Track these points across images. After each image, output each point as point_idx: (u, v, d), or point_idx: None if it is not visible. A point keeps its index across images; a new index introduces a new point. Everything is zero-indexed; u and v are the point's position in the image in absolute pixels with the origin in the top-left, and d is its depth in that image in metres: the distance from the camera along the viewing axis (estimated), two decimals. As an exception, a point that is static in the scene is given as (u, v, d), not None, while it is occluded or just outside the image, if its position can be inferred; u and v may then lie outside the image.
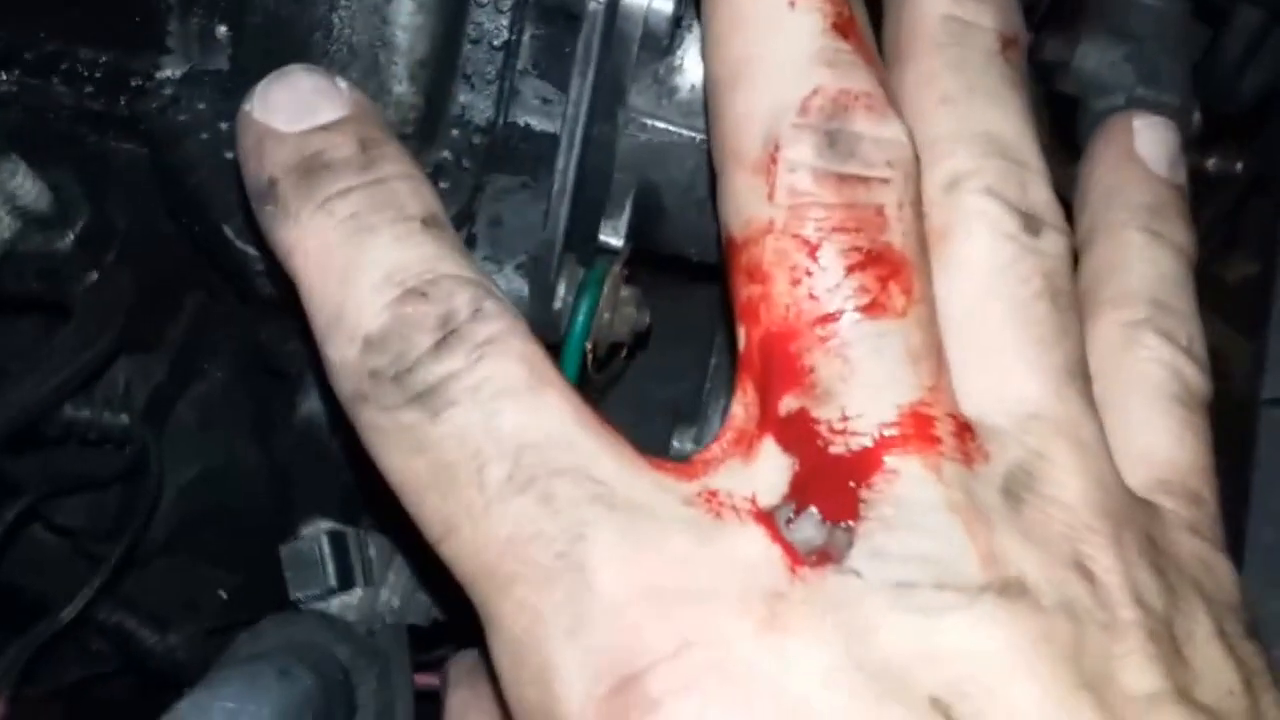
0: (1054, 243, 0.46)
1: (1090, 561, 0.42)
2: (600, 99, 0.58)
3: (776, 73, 0.44)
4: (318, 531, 0.66)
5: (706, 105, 0.46)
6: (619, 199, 0.62)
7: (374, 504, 0.67)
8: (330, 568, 0.65)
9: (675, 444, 0.75)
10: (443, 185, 0.60)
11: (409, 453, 0.43)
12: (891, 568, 0.39)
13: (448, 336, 0.43)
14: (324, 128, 0.47)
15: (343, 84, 0.48)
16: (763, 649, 0.39)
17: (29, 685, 0.70)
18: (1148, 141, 0.55)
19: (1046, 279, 0.45)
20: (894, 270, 0.42)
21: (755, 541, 0.41)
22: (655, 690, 0.39)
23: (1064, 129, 0.82)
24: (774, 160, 0.43)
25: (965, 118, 0.47)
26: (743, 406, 0.44)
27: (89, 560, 0.72)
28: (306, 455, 0.65)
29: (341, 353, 0.44)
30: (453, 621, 0.70)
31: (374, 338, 0.43)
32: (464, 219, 0.60)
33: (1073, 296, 0.46)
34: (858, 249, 0.42)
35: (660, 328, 0.69)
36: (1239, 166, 0.85)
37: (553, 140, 0.60)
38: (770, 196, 0.43)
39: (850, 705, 0.38)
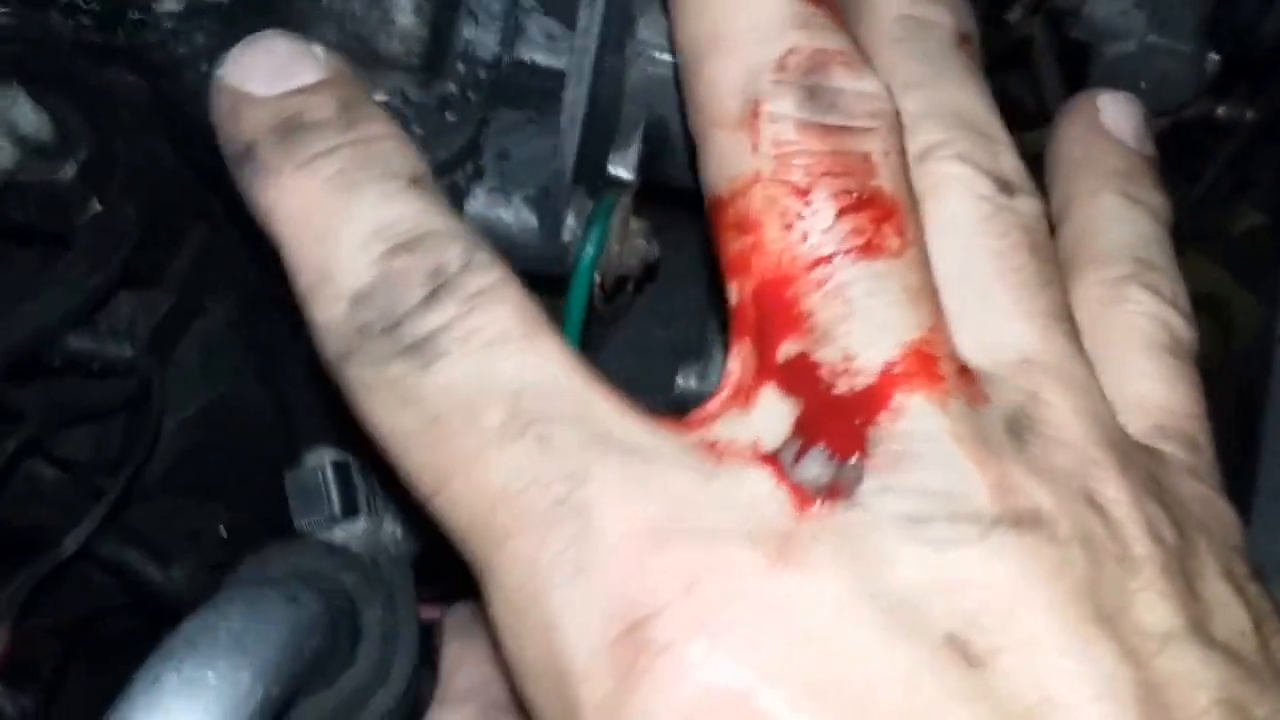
0: (1029, 204, 0.46)
1: (1100, 496, 0.41)
2: (610, 30, 0.57)
3: (750, 38, 0.43)
4: (322, 460, 0.66)
5: (678, 79, 0.46)
6: (628, 132, 0.62)
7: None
8: (334, 495, 0.65)
9: (680, 382, 0.75)
10: (450, 117, 0.60)
11: (398, 406, 0.42)
12: (903, 501, 0.39)
13: (438, 289, 0.42)
14: (302, 90, 0.47)
15: (318, 48, 0.48)
16: (774, 586, 0.38)
17: (30, 619, 0.70)
18: (1114, 115, 0.56)
19: (1024, 232, 0.46)
20: (886, 213, 0.42)
21: (760, 482, 0.40)
22: (665, 633, 0.38)
23: (1076, 77, 0.81)
24: (756, 115, 0.42)
25: (931, 99, 0.47)
26: (738, 362, 0.44)
27: (90, 494, 0.72)
28: (310, 385, 0.64)
29: (327, 312, 0.43)
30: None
31: (361, 293, 0.42)
32: (471, 151, 0.60)
33: (1052, 251, 0.47)
34: (848, 192, 0.42)
35: (664, 266, 0.69)
36: (1249, 114, 0.84)
37: (558, 76, 0.60)
38: (755, 149, 0.42)
39: (866, 640, 0.38)
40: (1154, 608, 0.40)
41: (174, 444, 0.74)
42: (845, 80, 0.43)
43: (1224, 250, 0.94)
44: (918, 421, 0.40)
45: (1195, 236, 0.57)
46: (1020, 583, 0.39)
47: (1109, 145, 0.55)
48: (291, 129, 0.45)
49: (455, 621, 0.63)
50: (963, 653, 0.38)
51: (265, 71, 0.47)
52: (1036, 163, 0.51)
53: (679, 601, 0.38)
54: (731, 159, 0.43)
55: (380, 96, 0.59)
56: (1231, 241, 0.94)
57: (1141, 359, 0.50)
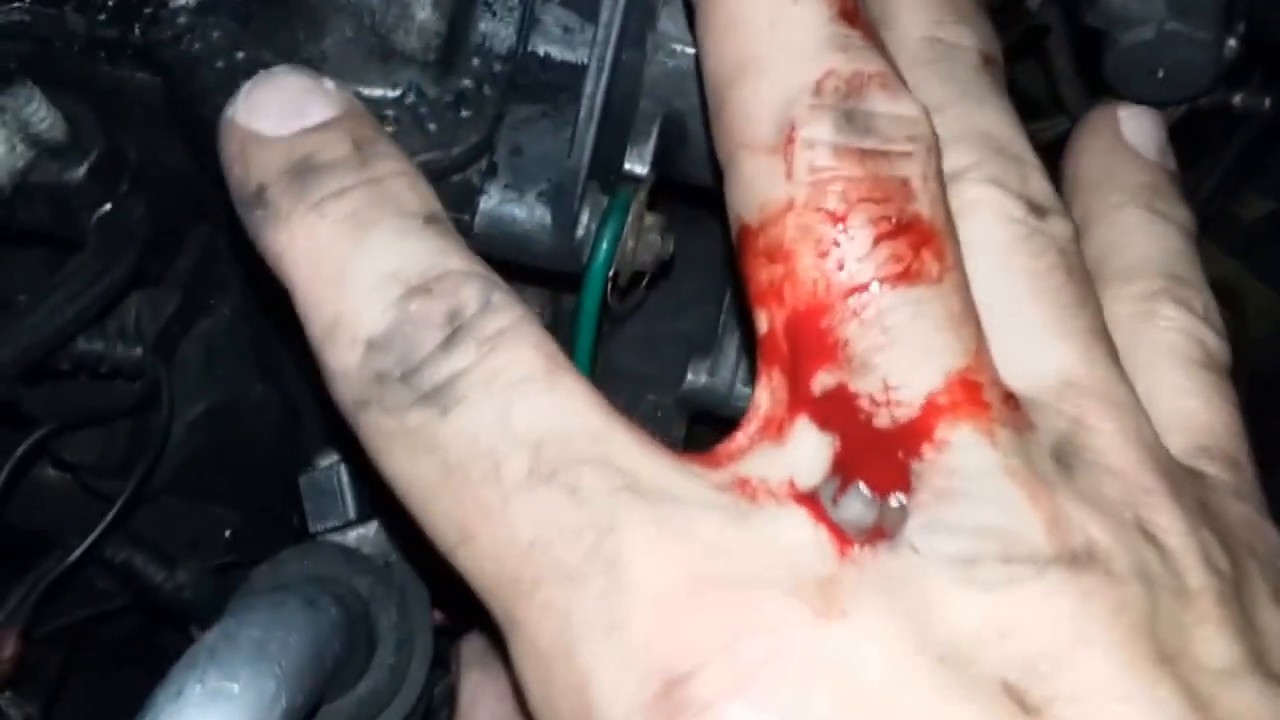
0: (1061, 226, 0.45)
1: (1153, 526, 0.40)
2: (630, 22, 0.56)
3: (785, 61, 0.42)
4: (335, 462, 0.65)
5: (705, 102, 0.45)
6: (644, 126, 0.61)
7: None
8: (349, 499, 0.65)
9: (690, 376, 0.74)
10: (464, 113, 0.59)
11: (417, 455, 0.41)
12: (952, 541, 0.37)
13: (456, 332, 0.41)
14: (314, 129, 0.45)
15: (329, 84, 0.46)
16: (819, 638, 0.37)
17: (33, 624, 0.69)
18: (1134, 130, 0.55)
19: (1059, 254, 0.44)
20: (925, 238, 0.41)
21: (798, 524, 0.39)
22: (706, 691, 0.36)
23: (1090, 66, 0.80)
24: (790, 141, 0.41)
25: (959, 120, 0.46)
26: (768, 393, 0.42)
27: (94, 497, 0.71)
28: (319, 387, 0.64)
29: (342, 358, 0.42)
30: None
31: (377, 339, 0.41)
32: (484, 148, 0.59)
33: (1086, 272, 0.45)
34: (886, 218, 0.40)
35: (675, 259, 0.68)
36: (1267, 103, 0.83)
37: (574, 70, 0.59)
38: (789, 175, 0.41)
39: (919, 695, 0.36)
40: (1213, 642, 0.39)
41: (179, 446, 0.73)
42: (883, 103, 0.42)
43: (1235, 239, 0.93)
44: (965, 455, 0.39)
45: (1205, 226, 0.57)
46: (1078, 625, 0.37)
47: (1131, 159, 0.54)
48: (303, 171, 0.44)
49: (472, 651, 0.62)
50: (1019, 702, 0.36)
51: (276, 110, 0.45)
52: (1046, 153, 0.50)
53: (718, 658, 0.36)
54: (763, 185, 0.42)
55: (395, 92, 0.58)
56: (1242, 230, 0.93)
57: (1178, 376, 0.48)
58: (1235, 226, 0.93)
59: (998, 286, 0.43)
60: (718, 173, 0.44)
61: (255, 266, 0.45)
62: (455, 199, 0.57)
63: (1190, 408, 0.48)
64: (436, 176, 0.57)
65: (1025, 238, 0.44)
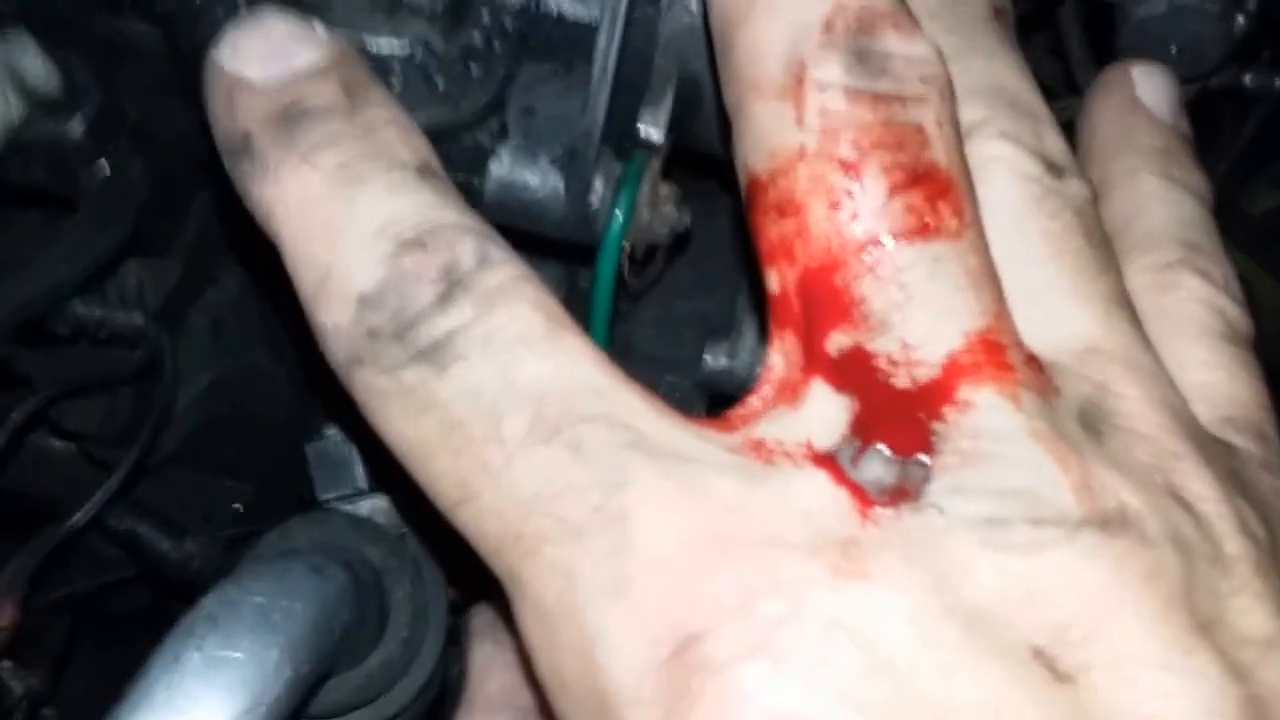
0: (1078, 187, 0.44)
1: (1186, 491, 0.39)
2: (645, -25, 0.55)
3: None
4: (345, 431, 0.64)
5: (712, 45, 0.43)
6: (660, 88, 0.59)
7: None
8: (360, 468, 0.63)
9: (708, 358, 0.73)
10: (474, 70, 0.57)
11: (415, 414, 0.39)
12: (978, 503, 0.36)
13: (452, 287, 0.40)
14: (302, 74, 0.44)
15: (319, 27, 0.45)
16: (841, 599, 0.35)
17: (35, 594, 0.67)
18: (1149, 90, 0.54)
19: (1077, 215, 0.43)
20: (942, 189, 0.39)
21: (817, 485, 0.37)
22: (721, 651, 0.35)
23: (1103, 38, 0.80)
24: (800, 83, 0.39)
25: (969, 73, 0.44)
26: (781, 355, 0.41)
27: (97, 466, 0.70)
28: (312, 349, 0.63)
29: (333, 315, 0.40)
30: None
31: (370, 295, 0.40)
32: (495, 107, 0.57)
33: (1105, 236, 0.44)
34: (902, 167, 0.39)
35: (692, 235, 0.67)
36: (1278, 82, 0.83)
37: (587, 28, 0.58)
38: (799, 121, 0.39)
39: (945, 660, 0.35)
40: (1251, 611, 0.38)
41: (186, 417, 0.72)
42: (895, 43, 0.40)
43: (1243, 232, 0.92)
44: (989, 416, 0.37)
45: (1215, 216, 0.56)
46: (1111, 589, 0.36)
47: (1146, 122, 0.53)
48: (291, 118, 0.42)
49: (482, 621, 0.60)
50: (1051, 669, 0.35)
51: (263, 54, 0.44)
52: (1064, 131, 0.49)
53: (733, 619, 0.35)
54: (772, 132, 0.40)
55: (402, 46, 0.57)
56: (1251, 223, 0.93)
57: (1200, 348, 0.47)
58: (1242, 219, 0.92)
59: (1014, 247, 0.42)
60: (727, 126, 0.43)
61: (244, 222, 0.44)
62: (465, 161, 0.56)
63: (1214, 379, 0.47)
64: (445, 135, 0.55)
65: (1041, 197, 0.43)
